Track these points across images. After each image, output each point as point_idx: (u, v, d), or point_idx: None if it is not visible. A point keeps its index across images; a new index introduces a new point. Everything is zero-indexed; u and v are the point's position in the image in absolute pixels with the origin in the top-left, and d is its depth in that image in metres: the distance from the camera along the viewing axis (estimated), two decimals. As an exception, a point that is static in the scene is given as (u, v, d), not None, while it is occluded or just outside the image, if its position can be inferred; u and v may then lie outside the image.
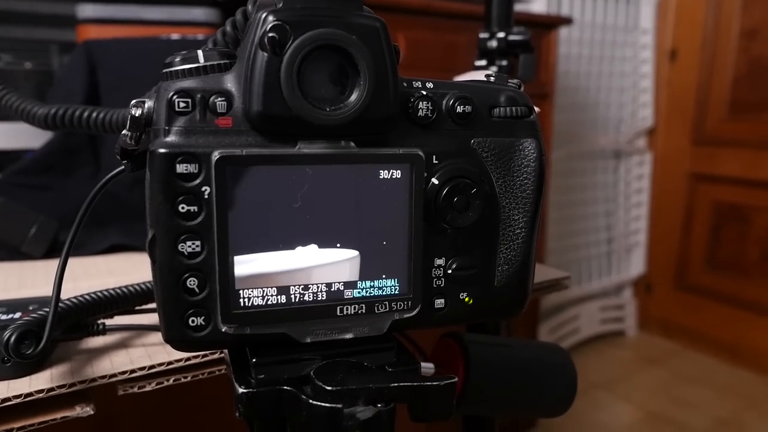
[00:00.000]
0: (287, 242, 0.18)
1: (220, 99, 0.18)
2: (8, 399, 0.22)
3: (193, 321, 0.18)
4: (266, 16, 0.17)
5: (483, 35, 0.47)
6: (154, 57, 0.66)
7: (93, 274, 0.39)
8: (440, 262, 0.20)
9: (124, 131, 0.21)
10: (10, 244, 0.41)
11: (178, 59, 0.18)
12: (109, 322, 0.27)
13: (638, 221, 2.11)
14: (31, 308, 0.27)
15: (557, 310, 1.90)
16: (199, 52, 0.18)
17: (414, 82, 0.20)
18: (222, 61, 0.18)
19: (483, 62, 0.48)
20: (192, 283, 0.18)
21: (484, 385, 0.25)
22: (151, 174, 0.17)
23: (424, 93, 0.20)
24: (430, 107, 0.20)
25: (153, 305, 0.29)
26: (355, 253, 0.19)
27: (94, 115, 0.33)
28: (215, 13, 0.76)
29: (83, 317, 0.26)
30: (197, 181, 0.17)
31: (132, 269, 0.40)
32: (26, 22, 0.86)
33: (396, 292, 0.20)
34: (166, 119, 0.17)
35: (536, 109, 0.22)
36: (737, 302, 1.89)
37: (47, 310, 0.24)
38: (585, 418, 1.61)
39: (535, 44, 0.56)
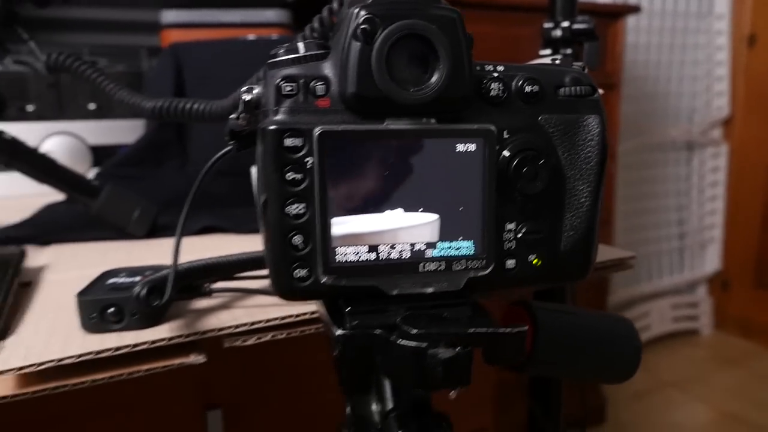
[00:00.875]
0: (377, 206, 0.21)
1: (319, 83, 0.21)
2: (138, 345, 0.26)
3: (297, 273, 0.21)
4: (359, 11, 0.20)
5: (547, 25, 0.49)
6: (233, 56, 0.72)
7: (191, 251, 0.44)
8: (511, 226, 0.23)
9: (232, 115, 0.25)
10: (117, 225, 0.46)
11: (282, 50, 0.22)
12: (213, 285, 0.31)
13: (713, 216, 2.02)
14: (147, 273, 0.31)
15: (627, 305, 1.85)
16: (300, 44, 0.22)
17: (486, 66, 0.23)
18: (319, 51, 0.21)
19: (547, 51, 0.49)
20: (297, 240, 0.21)
21: (550, 348, 0.27)
22: (263, 147, 0.21)
23: (496, 75, 0.22)
24: (501, 87, 0.22)
25: (250, 273, 0.33)
26: (435, 216, 0.22)
27: (195, 106, 0.37)
28: (286, 14, 0.81)
29: (194, 280, 0.30)
30: (302, 153, 0.20)
31: (223, 247, 0.45)
32: (117, 29, 0.94)
33: (471, 252, 0.22)
34: (275, 101, 0.21)
35: (600, 90, 0.24)
36: (824, 301, 1.78)
37: (165, 272, 0.28)
38: (658, 417, 1.56)
39: (601, 33, 0.57)
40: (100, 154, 0.74)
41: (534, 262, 0.23)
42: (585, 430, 0.82)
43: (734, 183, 2.00)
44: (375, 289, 0.22)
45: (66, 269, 0.40)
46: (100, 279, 0.31)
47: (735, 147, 1.96)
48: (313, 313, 0.29)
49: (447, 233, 0.22)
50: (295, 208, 0.21)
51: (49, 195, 0.51)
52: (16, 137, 0.43)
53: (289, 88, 0.21)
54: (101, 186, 0.46)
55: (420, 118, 0.21)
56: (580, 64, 0.25)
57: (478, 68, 0.22)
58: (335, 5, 0.26)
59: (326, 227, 0.21)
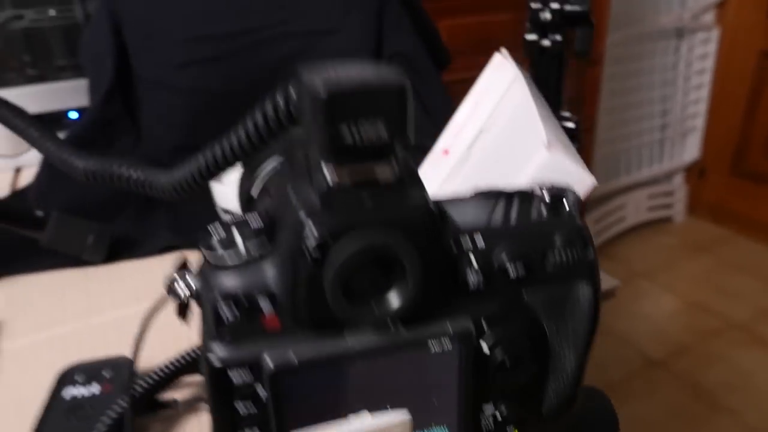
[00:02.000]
0: (339, 413, 0.19)
1: (264, 300, 0.17)
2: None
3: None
4: (306, 226, 0.16)
5: (535, 5, 0.42)
6: (180, 7, 0.63)
7: (154, 279, 0.42)
8: (489, 408, 0.21)
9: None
10: (71, 254, 0.43)
11: (219, 250, 0.18)
12: (179, 395, 0.29)
13: (697, 104, 1.98)
14: (108, 376, 0.29)
15: (604, 199, 1.87)
16: (239, 242, 0.18)
17: (462, 240, 0.19)
18: (261, 252, 0.18)
19: (534, 36, 0.43)
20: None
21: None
22: (206, 378, 0.18)
23: (473, 259, 0.19)
24: (482, 278, 0.19)
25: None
26: (405, 414, 0.20)
27: (134, 175, 0.32)
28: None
29: (154, 395, 0.29)
30: (251, 384, 0.18)
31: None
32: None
33: (446, 439, 0.21)
34: (214, 330, 0.17)
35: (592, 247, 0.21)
36: (796, 189, 1.81)
37: (120, 407, 0.26)
38: (627, 308, 1.65)
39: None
40: (44, 122, 0.68)
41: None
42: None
43: (722, 69, 1.94)
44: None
45: (22, 328, 0.37)
46: (56, 394, 0.29)
47: (726, 31, 1.87)
48: None
49: (419, 422, 0.20)
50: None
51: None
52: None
53: (230, 313, 0.17)
54: (47, 215, 0.42)
55: (386, 328, 0.18)
56: (572, 199, 0.21)
57: (453, 248, 0.19)
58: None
59: (284, 446, 0.19)
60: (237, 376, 0.17)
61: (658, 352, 1.46)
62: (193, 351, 0.30)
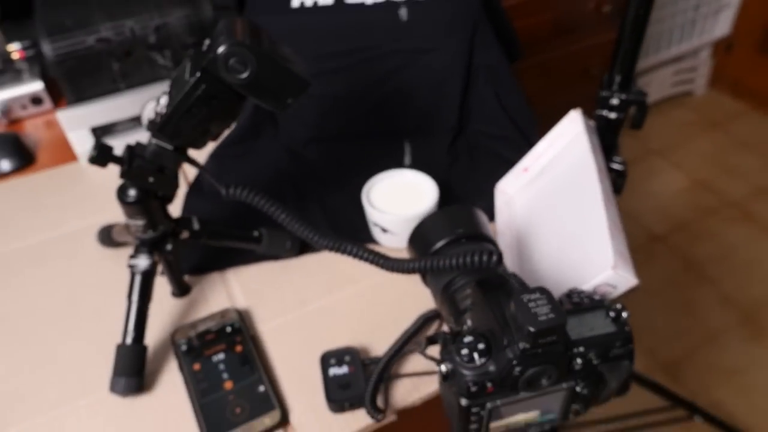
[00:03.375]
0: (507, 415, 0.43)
1: (488, 382, 0.40)
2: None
3: None
4: (515, 360, 0.38)
5: (605, 93, 0.57)
6: (313, 30, 0.75)
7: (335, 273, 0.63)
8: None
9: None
10: (276, 256, 0.65)
11: (464, 361, 0.40)
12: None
13: (735, -18, 1.98)
14: (348, 360, 0.53)
15: (630, 78, 1.97)
16: (475, 357, 0.40)
17: (575, 349, 0.41)
18: (486, 361, 0.40)
19: (602, 112, 0.58)
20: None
21: None
22: (458, 412, 0.41)
23: (579, 358, 0.41)
24: (580, 364, 0.41)
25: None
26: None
27: (375, 259, 0.52)
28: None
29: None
30: (478, 413, 0.41)
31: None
32: None
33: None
34: (466, 393, 0.40)
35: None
36: (815, 71, 1.90)
37: (373, 380, 0.50)
38: (636, 185, 1.86)
39: None
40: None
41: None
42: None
43: (767, -56, 1.90)
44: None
45: (267, 315, 0.60)
46: (324, 367, 0.53)
47: None
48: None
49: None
50: None
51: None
52: (208, 221, 0.58)
53: (472, 387, 0.40)
54: (260, 233, 0.63)
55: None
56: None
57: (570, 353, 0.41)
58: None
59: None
60: (474, 411, 0.40)
61: (661, 228, 1.72)
62: (395, 351, 0.53)
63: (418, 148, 0.75)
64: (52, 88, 0.91)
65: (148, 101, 0.77)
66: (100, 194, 0.76)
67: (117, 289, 0.62)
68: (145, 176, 0.50)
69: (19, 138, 0.84)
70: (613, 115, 0.58)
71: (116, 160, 0.49)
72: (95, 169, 0.79)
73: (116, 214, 0.67)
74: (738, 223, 1.70)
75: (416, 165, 0.68)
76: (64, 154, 0.83)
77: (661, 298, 1.51)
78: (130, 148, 0.50)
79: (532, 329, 0.36)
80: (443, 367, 0.41)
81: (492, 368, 0.39)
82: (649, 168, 1.92)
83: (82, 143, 0.78)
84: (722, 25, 2.03)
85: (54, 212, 0.74)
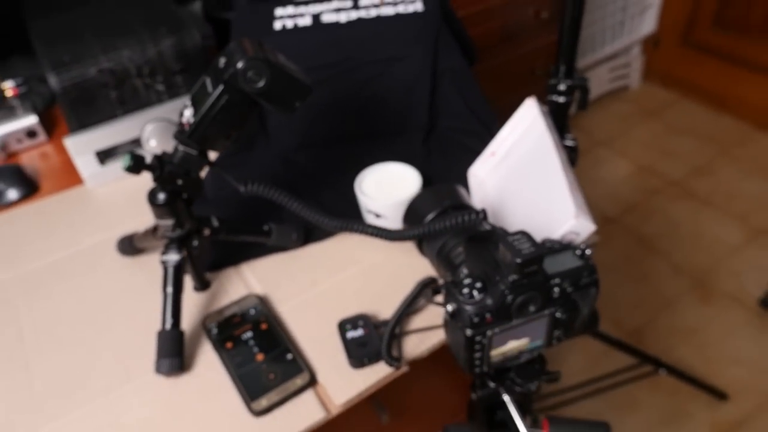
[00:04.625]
0: (506, 341, 0.52)
1: (487, 314, 0.49)
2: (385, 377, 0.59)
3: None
4: (506, 290, 0.48)
5: (553, 81, 0.69)
6: (298, 45, 0.85)
7: (337, 258, 0.72)
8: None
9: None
10: (283, 248, 0.73)
11: (466, 297, 0.49)
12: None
13: (655, -16, 2.17)
14: (362, 323, 0.62)
15: (571, 77, 2.14)
16: (474, 294, 0.49)
17: (552, 281, 0.50)
18: (483, 296, 0.49)
19: (552, 97, 0.69)
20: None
21: None
22: (464, 340, 0.50)
23: (556, 288, 0.50)
24: (558, 293, 0.50)
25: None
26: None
27: (370, 229, 0.61)
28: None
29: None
30: (481, 341, 0.50)
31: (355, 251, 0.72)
32: None
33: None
34: (469, 324, 0.49)
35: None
36: (734, 59, 2.12)
37: (386, 337, 0.59)
38: (587, 174, 2.02)
39: None
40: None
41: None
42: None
43: (679, -52, 2.11)
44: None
45: (283, 297, 0.68)
46: (342, 332, 0.61)
47: None
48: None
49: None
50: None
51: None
52: (225, 219, 0.66)
53: (475, 319, 0.49)
54: (270, 227, 0.71)
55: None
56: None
57: (549, 284, 0.51)
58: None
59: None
60: (477, 340, 0.50)
61: (613, 211, 1.86)
62: (402, 310, 0.62)
63: (396, 146, 0.84)
64: (44, 121, 0.98)
65: (146, 123, 0.85)
66: (108, 212, 0.83)
67: (142, 291, 0.69)
68: (174, 180, 0.58)
69: (21, 168, 0.90)
70: (561, 99, 0.69)
71: (149, 167, 0.57)
72: (100, 191, 0.86)
73: (126, 228, 0.74)
74: (680, 200, 1.87)
75: (396, 161, 0.78)
76: (67, 179, 0.89)
77: (620, 273, 1.65)
78: (158, 157, 0.58)
79: (518, 261, 0.45)
80: (449, 307, 0.50)
81: (489, 301, 0.48)
82: (596, 158, 2.07)
83: (88, 167, 0.85)
84: (648, 24, 2.23)
85: (67, 232, 0.80)
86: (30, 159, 0.95)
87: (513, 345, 0.52)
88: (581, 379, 1.32)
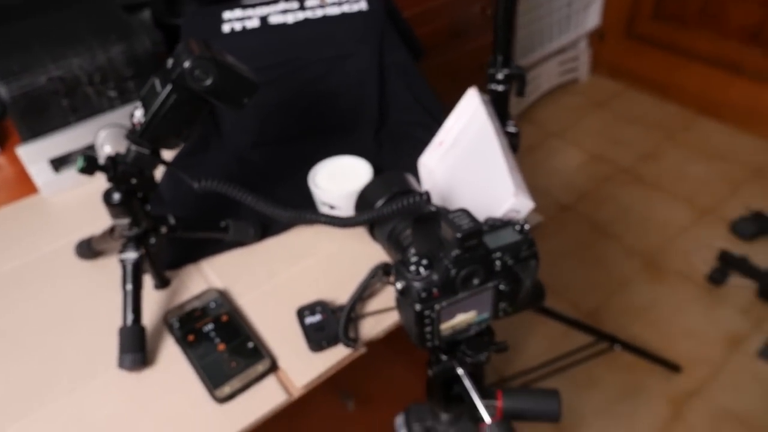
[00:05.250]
0: (454, 314, 0.55)
1: (434, 289, 0.52)
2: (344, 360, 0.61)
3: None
4: (450, 265, 0.51)
5: (491, 71, 0.73)
6: (244, 48, 0.87)
7: (295, 250, 0.74)
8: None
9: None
10: (241, 243, 0.75)
11: (413, 275, 0.52)
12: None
13: (597, -21, 2.26)
14: (320, 309, 0.64)
15: (523, 72, 2.20)
16: (421, 271, 0.52)
17: (494, 254, 0.54)
18: (430, 272, 0.52)
19: (492, 86, 0.73)
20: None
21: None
22: (413, 315, 0.53)
23: (498, 261, 0.54)
24: (500, 266, 0.54)
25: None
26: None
27: (323, 217, 0.64)
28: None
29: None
30: (430, 315, 0.53)
31: (311, 245, 0.75)
32: None
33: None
34: (417, 300, 0.52)
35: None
36: (674, 48, 2.22)
37: (342, 321, 0.61)
38: (541, 165, 2.08)
39: None
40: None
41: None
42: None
43: (617, -56, 2.20)
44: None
45: (240, 290, 0.70)
46: (301, 318, 0.63)
47: None
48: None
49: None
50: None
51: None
52: (180, 217, 0.68)
53: (423, 294, 0.52)
54: (227, 224, 0.73)
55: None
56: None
57: (491, 257, 0.54)
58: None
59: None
60: (427, 314, 0.53)
61: (568, 199, 1.93)
62: (358, 294, 0.65)
63: (348, 141, 0.87)
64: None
65: (100, 129, 0.86)
66: (65, 218, 0.83)
67: (102, 292, 0.70)
68: (128, 179, 0.59)
69: (-28, 181, 0.89)
70: (500, 88, 0.73)
71: (102, 168, 0.58)
72: (56, 198, 0.87)
73: (84, 234, 0.75)
74: (631, 185, 1.95)
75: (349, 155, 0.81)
76: (22, 189, 0.89)
77: (576, 258, 1.71)
78: (111, 158, 0.60)
79: (459, 235, 0.49)
80: (398, 285, 0.53)
81: (435, 277, 0.52)
82: (550, 149, 2.14)
83: (43, 175, 0.85)
84: (592, 18, 2.31)
85: (25, 240, 0.81)
86: (-22, 172, 0.95)
87: (461, 318, 0.55)
88: (540, 360, 1.37)
